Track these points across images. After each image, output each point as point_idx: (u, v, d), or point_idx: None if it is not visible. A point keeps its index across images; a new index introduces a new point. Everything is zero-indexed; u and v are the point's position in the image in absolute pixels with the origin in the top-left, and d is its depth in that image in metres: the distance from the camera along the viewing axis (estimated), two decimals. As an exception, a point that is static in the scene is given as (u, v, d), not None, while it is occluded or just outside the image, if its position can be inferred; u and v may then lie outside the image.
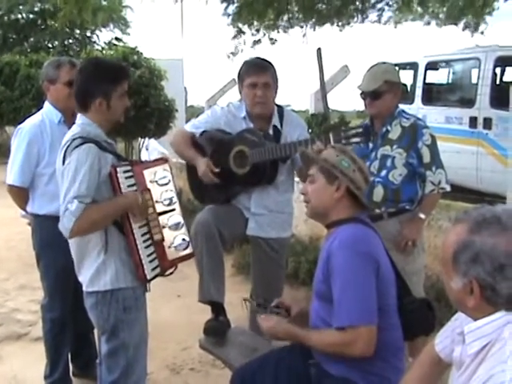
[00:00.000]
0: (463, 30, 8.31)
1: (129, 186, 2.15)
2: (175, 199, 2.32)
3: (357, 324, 1.82)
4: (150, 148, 8.33)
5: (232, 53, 8.73)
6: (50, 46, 22.15)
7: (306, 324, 2.06)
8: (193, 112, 14.93)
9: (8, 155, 3.00)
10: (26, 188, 2.86)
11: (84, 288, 2.24)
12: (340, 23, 8.42)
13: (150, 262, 2.17)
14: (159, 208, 2.24)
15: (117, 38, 22.40)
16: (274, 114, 2.92)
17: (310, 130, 6.10)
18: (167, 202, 2.27)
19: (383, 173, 2.88)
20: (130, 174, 2.16)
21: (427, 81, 8.34)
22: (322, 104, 7.56)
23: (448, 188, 2.90)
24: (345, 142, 2.53)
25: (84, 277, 2.22)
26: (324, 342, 1.92)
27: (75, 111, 2.28)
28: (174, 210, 2.30)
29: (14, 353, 3.60)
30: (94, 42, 22.76)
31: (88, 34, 22.86)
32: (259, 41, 8.64)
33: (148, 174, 2.23)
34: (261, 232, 2.93)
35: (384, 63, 3.02)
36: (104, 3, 19.58)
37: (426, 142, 2.85)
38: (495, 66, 7.20)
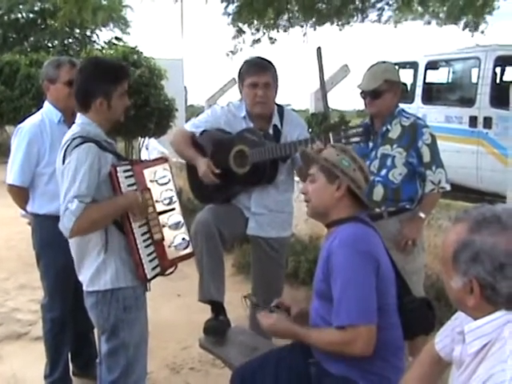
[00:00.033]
0: (463, 29, 8.29)
1: (129, 186, 2.15)
2: (175, 198, 2.32)
3: (357, 323, 1.83)
4: (150, 147, 8.33)
5: (231, 51, 8.71)
6: (49, 45, 22.14)
7: (306, 324, 2.06)
8: (193, 111, 14.94)
9: (8, 155, 2.99)
10: (26, 187, 2.86)
11: (84, 287, 2.24)
12: (340, 23, 8.41)
13: (150, 261, 2.18)
14: (159, 207, 2.24)
15: (117, 38, 22.41)
16: (274, 114, 2.91)
17: (310, 130, 6.10)
18: (167, 202, 2.28)
19: (383, 172, 2.88)
20: (129, 173, 2.16)
21: (427, 80, 8.34)
22: (322, 103, 7.58)
23: (448, 187, 2.90)
24: (345, 142, 2.53)
25: (84, 276, 2.22)
26: (324, 340, 1.92)
27: (75, 111, 2.27)
28: (173, 209, 2.30)
29: (13, 352, 3.60)
30: (94, 42, 22.76)
31: (88, 33, 22.85)
32: (259, 40, 8.63)
33: (148, 173, 2.23)
34: (261, 231, 2.93)
35: (384, 62, 3.02)
36: (104, 3, 19.55)
37: (426, 141, 2.85)
38: (495, 66, 7.20)
